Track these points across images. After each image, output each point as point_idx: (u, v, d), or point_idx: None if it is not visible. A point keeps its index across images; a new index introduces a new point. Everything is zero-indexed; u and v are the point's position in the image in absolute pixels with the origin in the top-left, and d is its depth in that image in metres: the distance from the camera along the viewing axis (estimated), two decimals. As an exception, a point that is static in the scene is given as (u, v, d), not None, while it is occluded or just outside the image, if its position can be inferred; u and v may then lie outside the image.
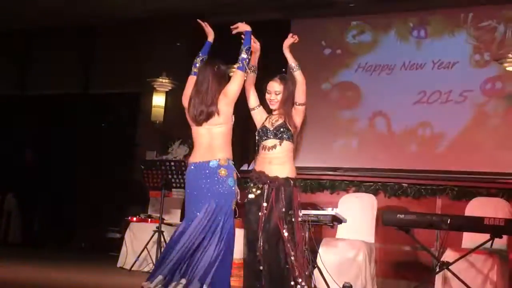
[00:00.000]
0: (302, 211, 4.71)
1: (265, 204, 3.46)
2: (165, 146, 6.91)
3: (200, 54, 3.56)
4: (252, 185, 3.54)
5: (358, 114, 6.36)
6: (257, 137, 3.62)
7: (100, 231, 7.30)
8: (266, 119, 3.66)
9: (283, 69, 6.80)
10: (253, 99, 3.68)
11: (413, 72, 6.13)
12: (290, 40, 3.62)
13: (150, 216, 6.07)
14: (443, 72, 6.01)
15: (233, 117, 3.47)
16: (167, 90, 7.32)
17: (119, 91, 7.85)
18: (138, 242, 5.77)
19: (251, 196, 3.52)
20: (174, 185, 5.49)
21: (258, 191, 3.51)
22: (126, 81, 7.73)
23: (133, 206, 6.55)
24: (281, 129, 3.56)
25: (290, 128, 3.56)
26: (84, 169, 7.84)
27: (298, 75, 3.57)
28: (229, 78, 3.49)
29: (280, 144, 3.53)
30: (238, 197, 3.41)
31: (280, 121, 3.60)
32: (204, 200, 3.33)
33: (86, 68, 8.09)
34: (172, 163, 5.49)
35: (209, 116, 3.40)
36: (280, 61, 6.92)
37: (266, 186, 3.50)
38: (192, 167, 3.39)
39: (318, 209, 5.44)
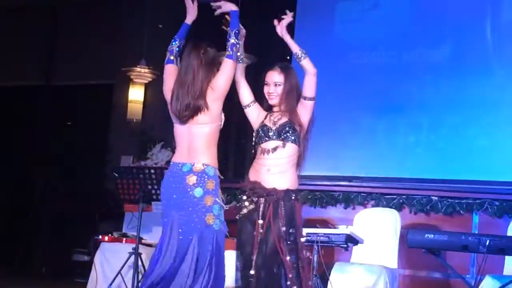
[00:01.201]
0: (310, 229, 4.78)
1: (260, 222, 3.45)
2: (143, 150, 6.91)
3: (176, 39, 3.57)
4: (244, 197, 3.53)
5: (378, 110, 6.37)
6: (254, 139, 3.61)
7: (63, 252, 7.26)
8: (266, 116, 3.64)
9: (288, 57, 6.90)
10: (246, 94, 3.67)
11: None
12: (287, 19, 3.60)
13: (125, 235, 6.05)
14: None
15: (223, 116, 3.49)
16: (146, 82, 7.29)
17: (87, 82, 7.85)
18: (111, 266, 5.76)
19: (243, 211, 3.52)
20: (154, 197, 5.47)
21: (252, 206, 3.51)
22: (96, 70, 7.76)
23: (104, 223, 6.60)
24: (286, 128, 3.55)
25: (296, 128, 3.55)
26: (45, 176, 7.83)
27: (306, 63, 3.56)
28: (220, 64, 3.49)
29: (284, 146, 3.52)
30: (221, 212, 3.41)
31: (284, 119, 3.59)
32: (170, 210, 3.40)
33: (48, 55, 8.09)
34: (152, 171, 5.49)
35: (196, 111, 3.41)
36: (284, 47, 6.91)
37: (261, 200, 3.49)
38: (169, 167, 3.48)
39: (329, 227, 5.42)
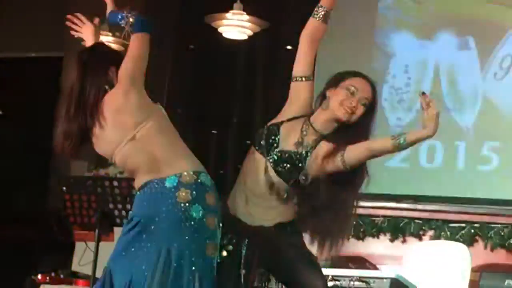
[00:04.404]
0: (341, 270, 4.90)
1: (243, 272, 3.59)
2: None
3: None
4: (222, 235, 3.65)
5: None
6: (255, 140, 3.67)
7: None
8: (299, 121, 3.63)
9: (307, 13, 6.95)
10: (306, 64, 3.67)
11: None
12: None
13: (75, 275, 6.05)
14: None
15: (159, 107, 3.62)
16: (110, 54, 7.28)
17: (27, 55, 7.93)
18: (54, 318, 5.75)
19: (224, 253, 3.61)
20: (117, 220, 5.44)
21: (230, 247, 3.61)
22: (40, 38, 7.82)
23: (46, 256, 6.57)
24: (288, 162, 3.58)
25: (304, 166, 3.56)
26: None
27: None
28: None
29: (270, 188, 3.58)
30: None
31: (309, 142, 3.60)
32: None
33: None
34: (115, 183, 5.45)
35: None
36: (302, 11, 6.92)
37: (245, 242, 3.60)
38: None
39: (369, 268, 5.55)
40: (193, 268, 3.38)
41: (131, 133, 3.46)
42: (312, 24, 3.63)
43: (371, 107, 3.58)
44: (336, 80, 3.61)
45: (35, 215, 7.12)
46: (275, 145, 3.59)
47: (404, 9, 6.91)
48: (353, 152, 3.50)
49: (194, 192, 3.42)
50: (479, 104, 6.46)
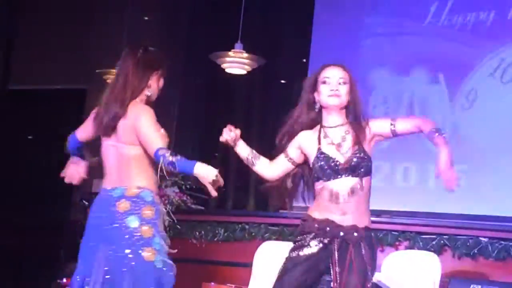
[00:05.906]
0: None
1: (338, 269, 3.58)
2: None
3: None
4: (309, 237, 3.66)
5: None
6: (314, 175, 3.71)
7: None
8: (321, 138, 3.73)
9: (303, 59, 7.08)
10: (292, 150, 3.81)
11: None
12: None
13: None
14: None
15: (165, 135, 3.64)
16: (128, 87, 7.53)
17: (53, 87, 8.11)
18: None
19: (303, 252, 3.65)
20: None
21: (317, 246, 3.65)
22: (65, 72, 8.08)
23: (71, 263, 6.18)
24: (358, 159, 3.63)
25: (366, 151, 3.66)
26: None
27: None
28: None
29: (361, 187, 3.64)
30: (166, 248, 3.57)
31: (349, 140, 3.69)
32: (93, 249, 3.57)
33: (5, 54, 8.28)
34: None
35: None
36: (296, 47, 7.20)
37: (336, 241, 3.62)
38: (99, 195, 3.71)
39: None
40: (124, 269, 3.47)
41: (134, 147, 3.58)
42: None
43: (352, 83, 3.78)
44: (312, 84, 3.78)
45: (62, 227, 7.26)
46: (337, 164, 3.64)
47: (383, 48, 7.22)
48: (377, 123, 3.74)
49: (133, 205, 3.54)
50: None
